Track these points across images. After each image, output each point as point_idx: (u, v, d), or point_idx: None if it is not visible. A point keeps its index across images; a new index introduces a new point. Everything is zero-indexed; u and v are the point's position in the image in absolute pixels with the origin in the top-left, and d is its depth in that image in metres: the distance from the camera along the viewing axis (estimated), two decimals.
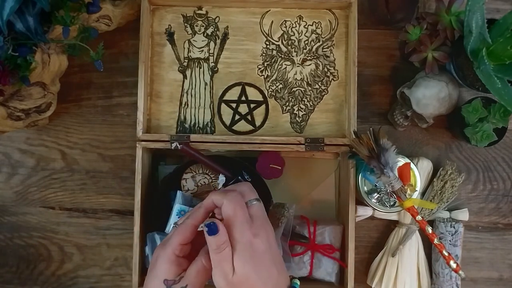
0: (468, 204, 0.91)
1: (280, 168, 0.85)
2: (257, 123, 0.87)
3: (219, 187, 0.84)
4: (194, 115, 0.87)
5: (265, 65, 0.87)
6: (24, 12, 0.66)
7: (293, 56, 0.88)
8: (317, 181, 0.90)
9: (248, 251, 0.57)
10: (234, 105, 0.87)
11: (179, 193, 0.81)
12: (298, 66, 0.88)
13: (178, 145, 0.82)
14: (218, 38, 0.88)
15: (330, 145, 0.83)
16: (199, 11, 0.88)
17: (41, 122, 0.85)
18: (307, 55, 0.88)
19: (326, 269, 0.84)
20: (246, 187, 0.63)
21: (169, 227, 0.81)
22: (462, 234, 0.88)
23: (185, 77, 0.87)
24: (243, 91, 0.87)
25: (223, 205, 0.58)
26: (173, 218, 0.80)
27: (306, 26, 0.88)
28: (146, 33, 0.85)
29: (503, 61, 0.75)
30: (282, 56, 0.88)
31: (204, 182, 0.84)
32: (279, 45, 0.88)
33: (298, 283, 0.63)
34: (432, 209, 0.87)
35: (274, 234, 0.61)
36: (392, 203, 0.82)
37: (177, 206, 0.80)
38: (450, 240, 0.87)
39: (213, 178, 0.84)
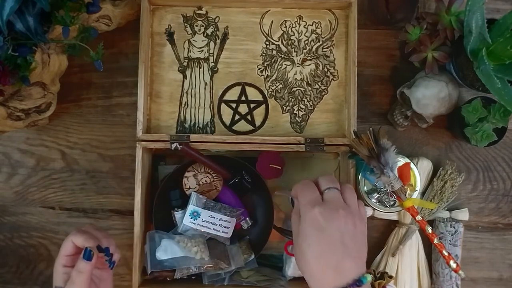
0: (468, 204, 0.91)
1: (280, 168, 0.85)
2: (257, 123, 0.87)
3: (246, 227, 0.86)
4: (194, 115, 0.87)
5: (265, 65, 0.87)
6: (24, 12, 0.66)
7: (293, 56, 0.88)
8: None
9: (307, 224, 0.62)
10: (234, 105, 0.87)
11: (193, 194, 0.81)
12: (298, 66, 0.88)
13: (178, 145, 0.82)
14: (218, 38, 0.88)
15: (330, 145, 0.83)
16: (199, 11, 0.88)
17: (41, 122, 0.85)
18: (307, 55, 0.88)
19: None
20: (326, 178, 0.68)
21: (182, 227, 0.81)
22: (462, 234, 0.88)
23: (185, 77, 0.87)
24: (243, 91, 0.87)
25: (295, 189, 0.67)
26: (186, 219, 0.80)
27: (306, 26, 0.88)
28: (146, 33, 0.85)
29: (503, 61, 0.75)
30: (282, 56, 0.88)
31: (205, 181, 0.84)
32: (279, 45, 0.88)
33: (368, 278, 0.60)
34: (432, 209, 0.87)
35: (357, 223, 0.63)
36: (392, 203, 0.82)
37: (190, 207, 0.80)
38: (450, 240, 0.87)
39: (214, 177, 0.84)
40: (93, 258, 0.66)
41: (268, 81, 0.87)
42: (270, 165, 0.85)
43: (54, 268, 0.69)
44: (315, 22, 0.88)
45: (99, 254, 0.67)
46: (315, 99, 0.87)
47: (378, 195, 0.83)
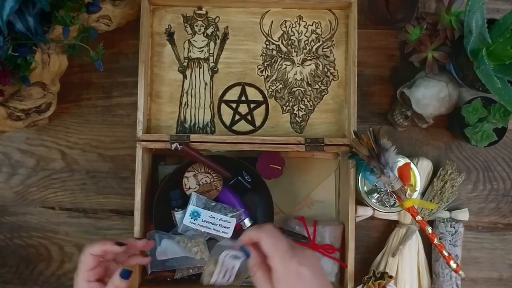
0: (468, 204, 0.91)
1: (280, 168, 0.85)
2: (257, 123, 0.87)
3: (245, 227, 0.85)
4: (194, 115, 0.87)
5: (265, 65, 0.87)
6: (24, 12, 0.66)
7: (293, 56, 0.88)
8: (317, 181, 0.90)
9: (291, 280, 0.57)
10: (234, 105, 0.87)
11: (193, 194, 0.81)
12: (298, 66, 0.88)
13: (178, 145, 0.82)
14: (218, 38, 0.88)
15: (330, 145, 0.83)
16: (199, 11, 0.88)
17: (41, 122, 0.85)
18: (307, 55, 0.88)
19: (326, 269, 0.84)
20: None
21: (182, 227, 0.81)
22: (462, 234, 0.88)
23: (185, 77, 0.87)
24: (243, 91, 0.87)
25: (261, 240, 0.60)
26: (186, 219, 0.80)
27: (306, 26, 0.88)
28: (146, 33, 0.85)
29: (503, 61, 0.75)
30: (282, 56, 0.88)
31: (205, 181, 0.84)
32: (279, 45, 0.88)
33: None
34: (432, 209, 0.87)
35: (317, 259, 0.62)
36: (392, 203, 0.82)
37: (190, 207, 0.80)
38: (450, 240, 0.87)
39: (214, 177, 0.84)
40: (130, 276, 0.65)
41: (268, 81, 0.87)
42: (270, 165, 0.85)
43: (76, 285, 0.66)
44: (315, 22, 0.88)
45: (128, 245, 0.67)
46: (315, 99, 0.87)
47: (378, 195, 0.83)
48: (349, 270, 0.81)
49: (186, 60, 0.87)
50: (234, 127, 0.87)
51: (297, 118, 0.87)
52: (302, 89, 0.87)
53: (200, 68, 0.87)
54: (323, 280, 0.59)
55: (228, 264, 0.65)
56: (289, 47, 0.88)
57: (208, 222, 0.81)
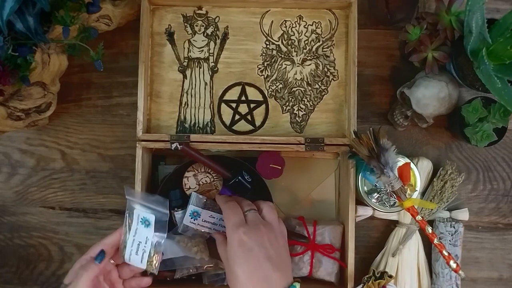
0: (468, 204, 0.91)
1: (280, 168, 0.85)
2: (257, 123, 0.87)
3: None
4: (194, 115, 0.87)
5: (265, 65, 0.88)
6: (24, 12, 0.66)
7: (293, 56, 0.88)
8: (317, 181, 0.90)
9: (235, 246, 0.67)
10: (234, 105, 0.87)
11: (193, 194, 0.81)
12: (298, 66, 0.88)
13: (178, 145, 0.82)
14: (218, 38, 0.88)
15: (330, 145, 0.83)
16: (199, 11, 0.88)
17: (41, 122, 0.85)
18: (307, 55, 0.88)
19: (326, 269, 0.84)
20: (244, 200, 0.75)
21: (182, 227, 0.80)
22: (462, 234, 0.88)
23: (185, 77, 0.87)
24: (243, 91, 0.87)
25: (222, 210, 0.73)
26: (186, 219, 0.80)
27: (306, 26, 0.88)
28: (146, 33, 0.85)
29: (503, 61, 0.75)
30: (282, 56, 0.88)
31: (205, 181, 0.84)
32: (279, 45, 0.88)
33: (297, 286, 0.67)
34: (432, 209, 0.87)
35: (278, 237, 0.70)
36: (392, 203, 0.82)
37: (190, 207, 0.80)
38: (450, 240, 0.87)
39: (214, 177, 0.84)
40: (103, 262, 0.70)
41: (268, 81, 0.88)
42: (270, 165, 0.85)
43: (72, 267, 0.70)
44: (315, 22, 0.88)
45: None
46: (315, 99, 0.87)
47: (378, 195, 0.83)
48: (349, 270, 0.81)
49: (186, 60, 0.87)
50: (234, 127, 0.87)
51: (297, 118, 0.87)
52: (302, 89, 0.87)
53: (200, 68, 0.87)
54: (272, 253, 0.67)
55: (140, 234, 0.68)
56: (289, 47, 0.88)
57: (208, 222, 0.81)
